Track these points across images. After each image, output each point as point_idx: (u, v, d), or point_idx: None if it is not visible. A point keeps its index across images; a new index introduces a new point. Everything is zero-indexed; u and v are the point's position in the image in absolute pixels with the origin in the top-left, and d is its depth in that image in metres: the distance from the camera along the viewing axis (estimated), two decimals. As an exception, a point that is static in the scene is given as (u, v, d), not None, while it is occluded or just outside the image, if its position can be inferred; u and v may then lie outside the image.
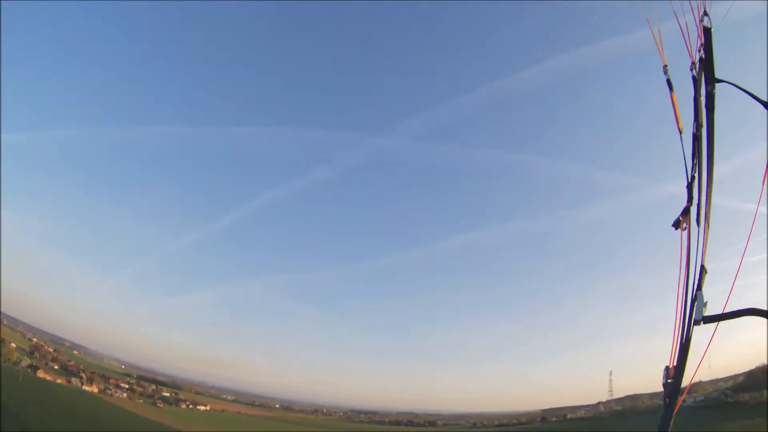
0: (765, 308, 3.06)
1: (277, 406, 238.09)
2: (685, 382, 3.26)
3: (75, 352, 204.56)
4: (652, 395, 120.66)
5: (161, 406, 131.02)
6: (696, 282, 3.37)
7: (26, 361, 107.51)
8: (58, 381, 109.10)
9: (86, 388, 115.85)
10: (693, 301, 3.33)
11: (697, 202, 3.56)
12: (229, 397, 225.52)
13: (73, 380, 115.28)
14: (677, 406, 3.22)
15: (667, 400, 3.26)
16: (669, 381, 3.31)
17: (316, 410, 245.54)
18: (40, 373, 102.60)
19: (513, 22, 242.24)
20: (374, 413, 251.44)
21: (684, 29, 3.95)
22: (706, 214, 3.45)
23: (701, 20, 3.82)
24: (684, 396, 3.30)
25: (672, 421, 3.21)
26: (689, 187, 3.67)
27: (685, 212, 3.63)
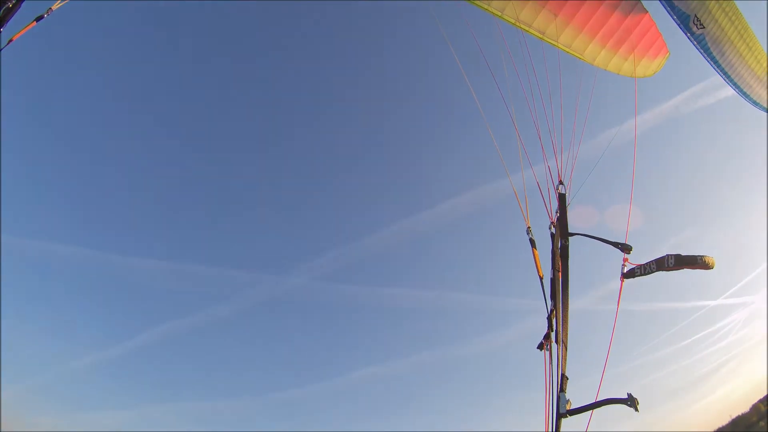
0: (616, 397, 3.83)
1: None
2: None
3: None
4: None
5: None
6: (558, 385, 4.26)
7: None
8: None
9: None
10: (558, 400, 4.17)
11: (555, 328, 4.48)
12: None
13: None
14: None
15: None
16: None
17: None
18: None
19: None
20: None
21: (546, 198, 4.90)
22: (563, 337, 4.46)
23: (557, 188, 4.81)
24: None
25: None
26: (549, 318, 4.55)
27: (546, 336, 4.49)
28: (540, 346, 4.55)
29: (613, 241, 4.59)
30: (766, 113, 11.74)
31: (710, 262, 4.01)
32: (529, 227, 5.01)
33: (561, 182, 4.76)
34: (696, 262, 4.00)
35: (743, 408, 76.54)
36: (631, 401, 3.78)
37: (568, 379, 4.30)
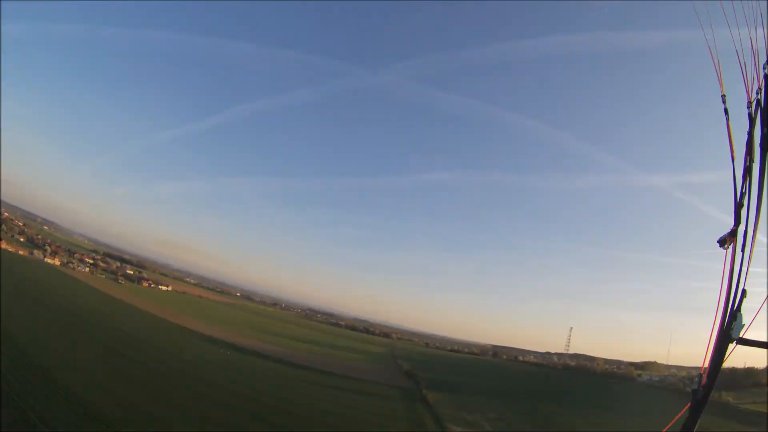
0: None
1: (238, 294, 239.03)
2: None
3: (45, 227, 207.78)
4: (607, 361, 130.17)
5: (123, 282, 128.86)
6: (737, 302, 3.56)
7: None
8: (21, 252, 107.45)
9: (48, 260, 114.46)
10: (731, 319, 3.51)
11: (744, 227, 3.75)
12: (192, 281, 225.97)
13: (36, 252, 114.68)
14: (701, 414, 3.51)
15: (695, 406, 3.50)
16: (700, 388, 3.55)
17: (275, 303, 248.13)
18: (2, 245, 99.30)
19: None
20: (330, 315, 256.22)
21: (743, 69, 4.11)
22: (752, 241, 3.64)
23: (764, 67, 4.03)
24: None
25: (697, 425, 3.49)
26: (737, 210, 3.84)
27: (732, 233, 3.78)
28: (722, 242, 3.83)
29: None
30: None
31: None
32: (724, 95, 4.30)
33: None
34: None
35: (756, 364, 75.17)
36: None
37: (746, 295, 3.60)
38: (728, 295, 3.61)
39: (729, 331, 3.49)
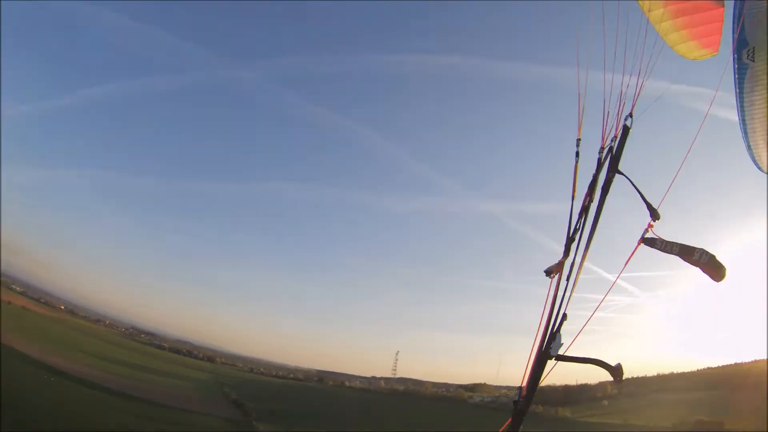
0: (606, 361, 3.77)
1: (62, 307, 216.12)
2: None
3: None
4: (436, 385, 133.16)
5: None
6: (557, 324, 4.02)
7: None
8: None
9: None
10: (551, 339, 3.97)
11: (572, 259, 4.19)
12: (18, 288, 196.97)
13: None
14: (522, 423, 3.93)
15: (516, 416, 3.90)
16: (520, 399, 3.95)
17: (99, 320, 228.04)
18: None
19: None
20: (154, 335, 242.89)
21: (605, 117, 4.52)
22: (578, 270, 4.09)
23: (624, 118, 4.43)
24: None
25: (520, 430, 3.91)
26: (568, 244, 4.27)
27: (560, 264, 4.20)
28: (548, 272, 4.21)
29: (649, 201, 4.33)
30: (753, 164, 11.94)
31: (725, 276, 3.92)
32: (579, 139, 4.72)
33: (631, 115, 4.28)
34: (718, 270, 3.92)
35: (587, 379, 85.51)
36: (617, 372, 3.71)
37: (566, 318, 4.07)
38: (549, 318, 4.02)
39: (548, 349, 3.91)
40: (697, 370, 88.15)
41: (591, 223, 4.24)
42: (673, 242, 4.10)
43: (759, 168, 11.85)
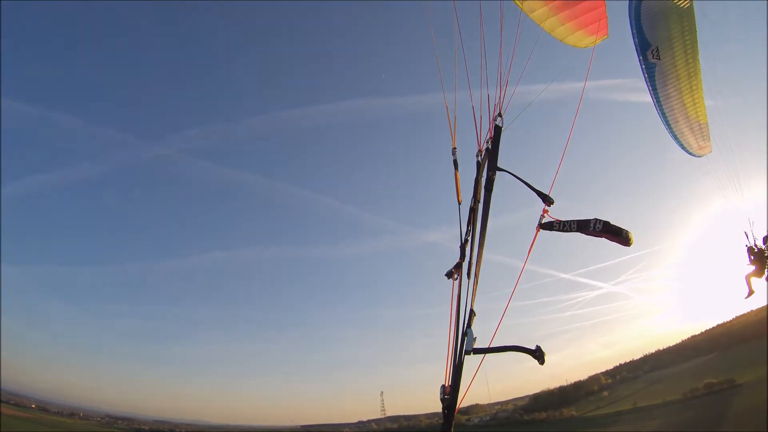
0: (525, 346, 3.79)
1: (33, 405, 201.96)
2: (459, 398, 3.92)
3: None
4: (429, 415, 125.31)
5: None
6: (465, 321, 4.15)
7: None
8: None
9: None
10: (464, 336, 4.07)
11: (468, 259, 4.36)
12: None
13: None
14: (454, 416, 3.87)
15: (446, 411, 3.88)
16: (446, 396, 3.95)
17: (73, 413, 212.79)
18: None
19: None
20: (131, 420, 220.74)
21: (478, 122, 4.80)
22: (476, 269, 4.27)
23: (494, 119, 4.71)
24: (458, 406, 3.92)
25: (452, 426, 3.87)
26: (462, 246, 4.43)
27: (458, 266, 4.35)
28: (449, 275, 4.38)
29: (538, 189, 4.51)
30: (683, 151, 12.47)
31: (631, 239, 3.99)
32: (455, 147, 4.86)
33: (500, 114, 4.60)
34: (620, 235, 3.98)
35: (577, 377, 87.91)
36: (539, 354, 3.72)
37: (475, 315, 4.18)
38: (457, 317, 4.14)
39: (463, 345, 4.01)
40: (685, 340, 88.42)
41: (480, 221, 4.43)
42: (569, 221, 4.22)
43: (690, 153, 12.41)
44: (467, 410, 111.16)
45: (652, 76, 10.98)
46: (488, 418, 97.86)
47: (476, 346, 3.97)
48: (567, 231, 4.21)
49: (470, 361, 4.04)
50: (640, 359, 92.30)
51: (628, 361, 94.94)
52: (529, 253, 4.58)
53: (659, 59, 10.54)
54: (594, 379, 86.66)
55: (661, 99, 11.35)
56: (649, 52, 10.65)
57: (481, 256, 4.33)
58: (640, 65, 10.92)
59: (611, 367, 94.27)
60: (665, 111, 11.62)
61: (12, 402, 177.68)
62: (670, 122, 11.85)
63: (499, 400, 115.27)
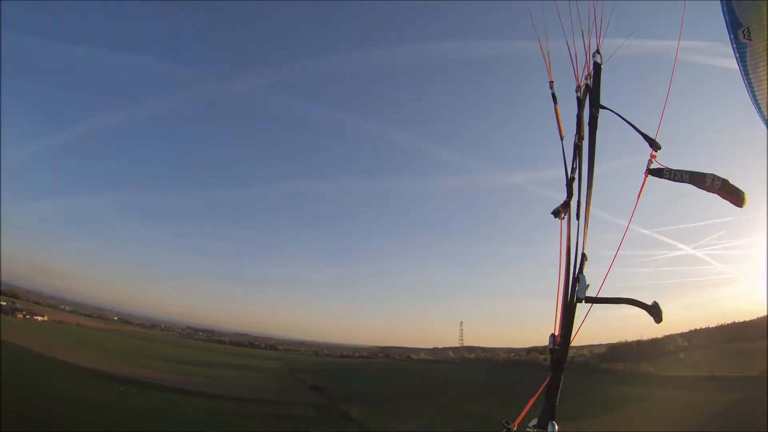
0: (641, 300, 3.55)
1: (115, 318, 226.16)
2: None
3: None
4: (506, 350, 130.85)
5: None
6: (577, 266, 3.88)
7: None
8: None
9: None
10: (575, 282, 3.83)
11: (576, 198, 4.12)
12: (67, 308, 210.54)
13: None
14: (563, 369, 3.73)
15: (556, 363, 3.71)
16: (556, 347, 3.82)
17: (154, 325, 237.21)
18: None
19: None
20: (211, 332, 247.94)
21: (573, 57, 4.48)
22: (586, 210, 4.01)
23: (593, 56, 4.42)
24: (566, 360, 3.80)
25: (561, 382, 3.70)
26: (569, 183, 4.20)
27: (565, 205, 4.13)
28: (556, 213, 4.17)
29: (644, 132, 4.14)
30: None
31: (746, 200, 3.70)
32: (551, 81, 4.64)
33: (598, 51, 4.40)
34: (738, 195, 3.70)
35: (651, 334, 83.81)
36: (656, 311, 3.50)
37: (587, 259, 3.89)
38: (568, 261, 3.90)
39: (574, 292, 3.76)
40: (762, 317, 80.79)
41: (587, 160, 4.22)
42: (681, 170, 3.91)
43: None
44: (544, 350, 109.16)
45: (743, 57, 10.36)
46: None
47: (588, 294, 3.67)
48: (677, 180, 3.87)
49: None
50: (716, 328, 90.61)
51: (703, 327, 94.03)
52: (638, 199, 4.24)
53: (750, 40, 9.94)
54: (670, 339, 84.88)
55: (752, 82, 10.60)
56: (740, 32, 10.10)
57: (590, 197, 4.07)
58: (731, 44, 10.34)
59: (686, 330, 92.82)
60: (756, 95, 10.84)
61: (95, 315, 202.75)
62: (762, 108, 11.04)
63: (575, 344, 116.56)
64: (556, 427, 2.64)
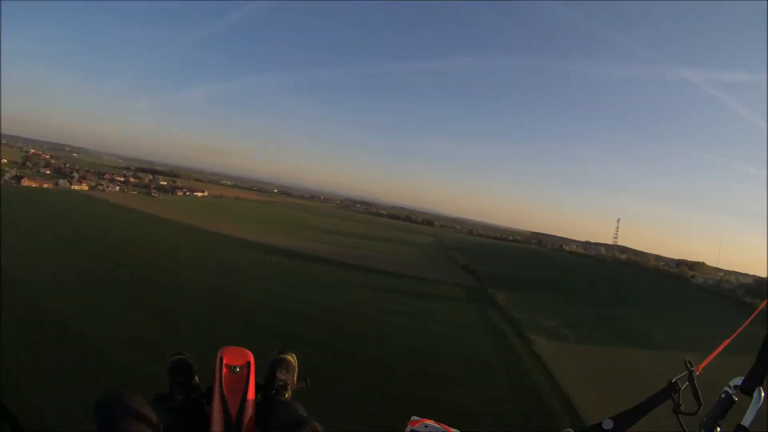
0: None
1: (276, 190, 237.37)
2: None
3: (74, 155, 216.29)
4: (657, 257, 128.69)
5: (156, 196, 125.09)
6: None
7: (11, 173, 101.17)
8: (45, 185, 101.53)
9: (75, 187, 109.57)
10: None
11: None
12: (228, 183, 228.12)
13: (61, 182, 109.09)
14: None
15: None
16: None
17: (313, 196, 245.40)
18: (25, 182, 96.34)
19: None
20: (369, 204, 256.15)
21: None
22: None
23: None
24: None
25: None
26: None
27: None
28: None
29: None
30: None
31: None
32: None
33: None
34: None
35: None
36: None
37: None
38: None
39: None
40: None
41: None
42: None
43: None
44: (693, 266, 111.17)
45: None
46: (712, 282, 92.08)
47: None
48: None
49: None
50: None
51: None
52: None
53: None
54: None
55: None
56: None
57: None
58: None
59: None
60: None
61: (255, 188, 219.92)
62: None
63: (724, 267, 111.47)
64: (762, 394, 1.71)
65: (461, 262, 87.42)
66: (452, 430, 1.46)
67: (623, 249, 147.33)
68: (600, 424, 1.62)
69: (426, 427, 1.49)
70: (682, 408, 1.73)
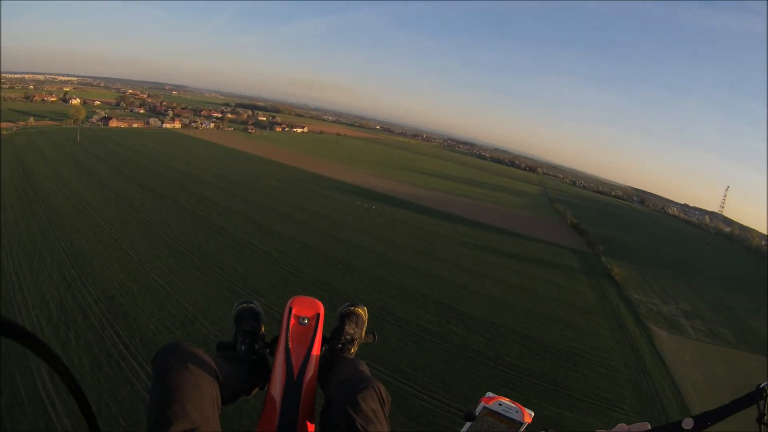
0: None
1: (378, 127, 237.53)
2: None
3: (174, 92, 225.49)
4: (761, 236, 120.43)
5: (253, 132, 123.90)
6: None
7: (100, 115, 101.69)
8: (135, 125, 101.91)
9: (167, 125, 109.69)
10: None
11: None
12: (330, 118, 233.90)
13: (152, 121, 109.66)
14: None
15: None
16: None
17: (416, 135, 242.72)
18: (113, 123, 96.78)
19: None
20: (472, 145, 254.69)
21: None
22: None
23: None
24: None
25: None
26: None
27: None
28: None
29: None
30: None
31: None
32: None
33: None
34: None
35: None
36: None
37: None
38: None
39: None
40: None
41: None
42: None
43: None
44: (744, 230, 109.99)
45: None
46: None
47: None
48: None
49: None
50: None
51: None
52: None
53: None
54: None
55: None
56: None
57: None
58: None
59: None
60: None
61: (357, 125, 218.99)
62: None
63: None
64: None
65: (570, 220, 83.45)
66: (527, 410, 1.35)
67: (728, 221, 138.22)
68: (680, 422, 1.29)
69: (500, 405, 1.36)
70: (766, 418, 1.33)
